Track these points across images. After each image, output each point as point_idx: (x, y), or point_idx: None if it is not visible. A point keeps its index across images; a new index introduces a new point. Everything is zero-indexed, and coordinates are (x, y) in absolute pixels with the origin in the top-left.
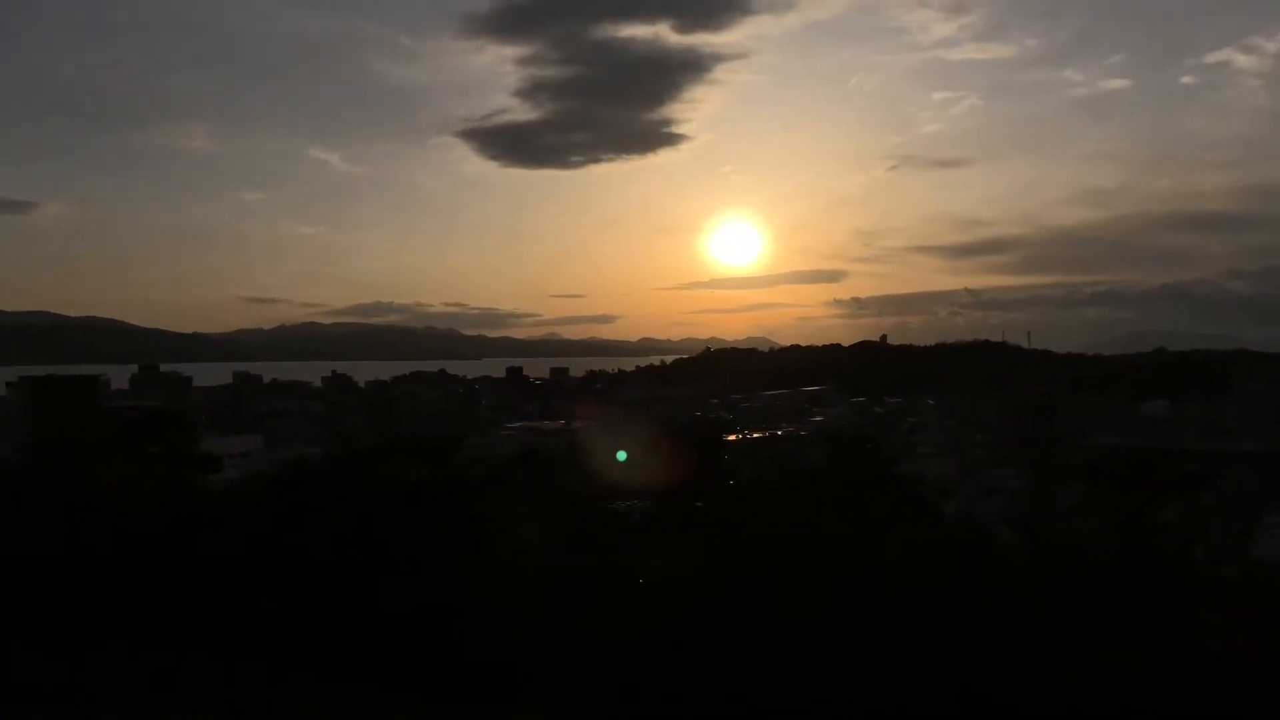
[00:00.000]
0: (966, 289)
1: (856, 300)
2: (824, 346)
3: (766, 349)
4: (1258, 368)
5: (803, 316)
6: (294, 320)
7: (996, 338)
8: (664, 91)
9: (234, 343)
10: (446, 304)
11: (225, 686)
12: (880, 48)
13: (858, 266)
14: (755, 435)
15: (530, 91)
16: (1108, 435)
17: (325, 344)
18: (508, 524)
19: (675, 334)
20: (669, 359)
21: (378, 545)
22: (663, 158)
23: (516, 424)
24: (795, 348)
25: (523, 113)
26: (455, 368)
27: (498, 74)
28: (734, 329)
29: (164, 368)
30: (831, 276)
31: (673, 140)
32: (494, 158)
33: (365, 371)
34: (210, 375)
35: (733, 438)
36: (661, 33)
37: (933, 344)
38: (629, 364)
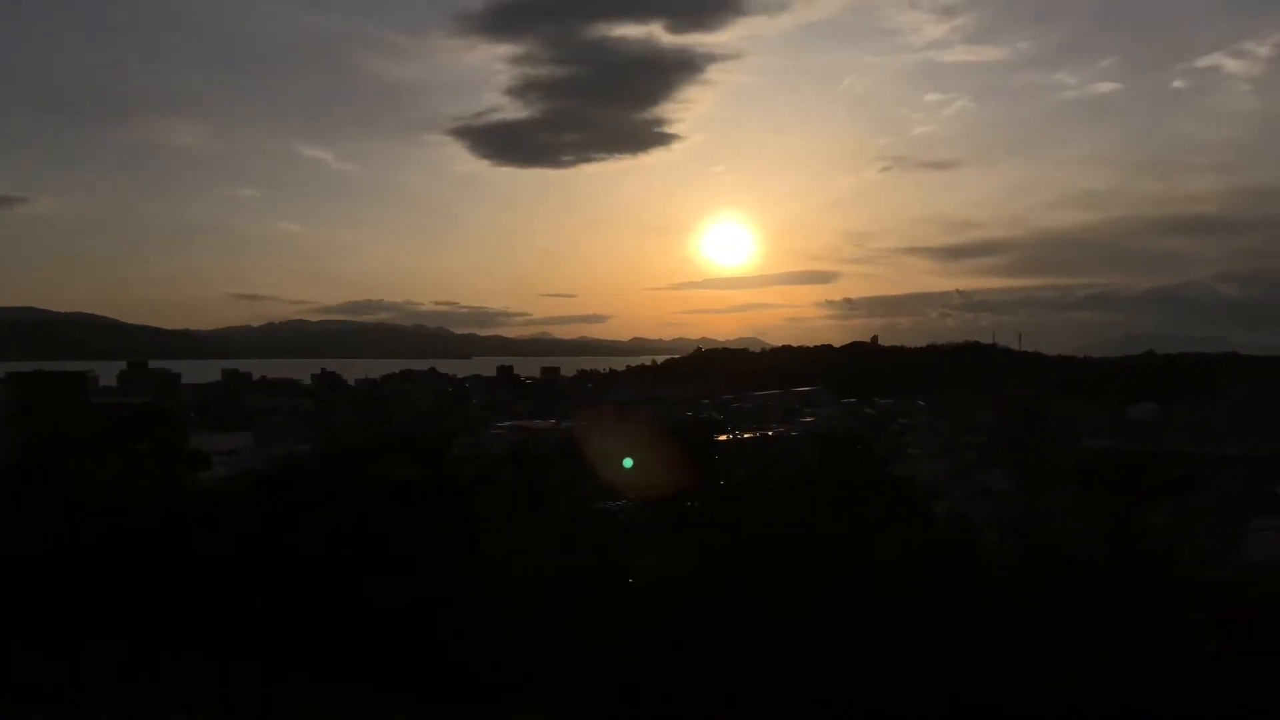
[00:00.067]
0: (957, 290)
1: (848, 301)
2: (815, 347)
3: (758, 349)
4: (1246, 371)
5: (794, 317)
6: (284, 317)
7: (987, 339)
8: (656, 91)
9: (223, 340)
10: (437, 302)
11: (220, 685)
12: (872, 49)
13: (849, 267)
14: (746, 436)
15: (522, 90)
16: (1098, 438)
17: (315, 341)
18: (499, 523)
19: (666, 334)
20: (660, 359)
21: (370, 544)
22: (655, 157)
23: (507, 423)
24: (786, 348)
25: (515, 111)
26: (445, 366)
27: (490, 72)
28: (725, 329)
29: (153, 364)
30: (823, 277)
31: (665, 140)
32: (486, 156)
33: (355, 369)
34: (199, 372)
35: (724, 438)
36: (654, 32)
37: (924, 345)
38: (620, 364)
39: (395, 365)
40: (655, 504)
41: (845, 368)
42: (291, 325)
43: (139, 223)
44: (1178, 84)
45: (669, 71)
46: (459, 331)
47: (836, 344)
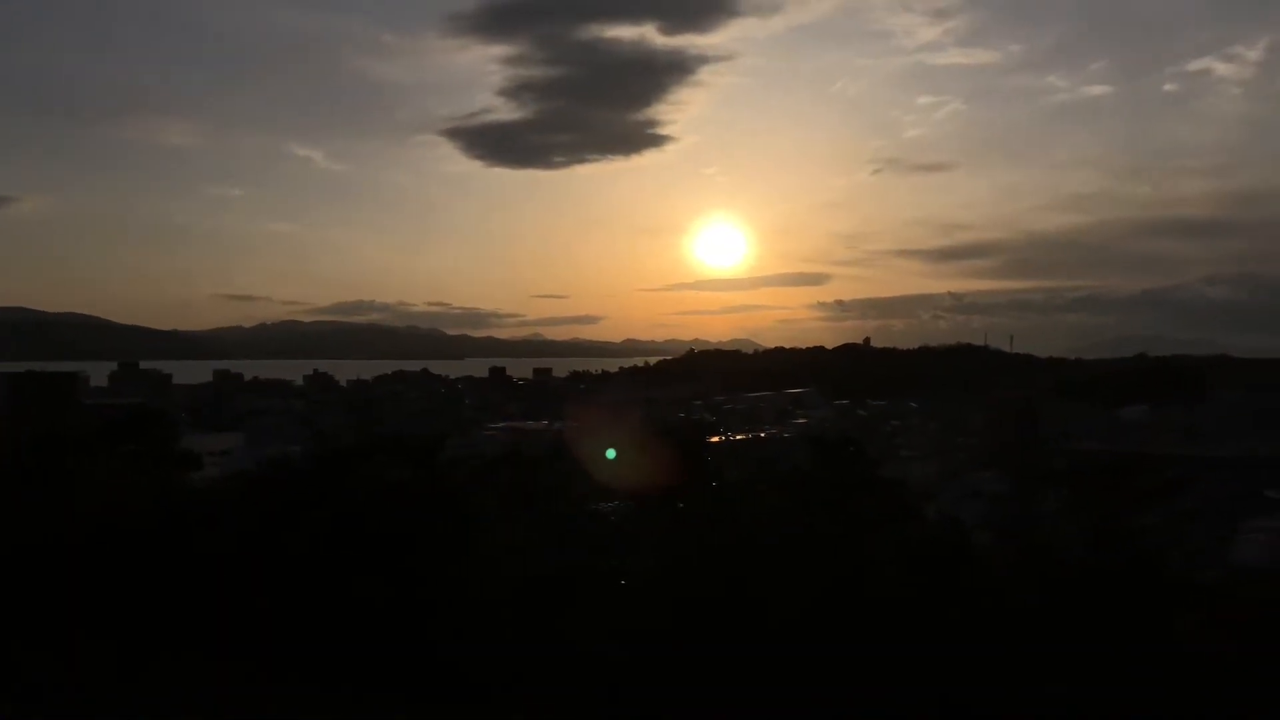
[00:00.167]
0: (949, 293)
1: (840, 303)
2: (807, 349)
3: (750, 351)
4: (1237, 373)
5: (786, 319)
6: (275, 318)
7: (979, 341)
8: (649, 93)
9: (214, 340)
10: (429, 303)
11: (219, 685)
12: (865, 51)
13: (841, 269)
14: (739, 437)
15: (515, 91)
16: (1089, 439)
17: (306, 342)
18: (492, 524)
19: (659, 335)
20: (653, 360)
21: (362, 544)
22: (647, 159)
23: (499, 424)
24: (779, 350)
25: (507, 112)
26: (438, 367)
27: (482, 73)
28: (718, 331)
29: (144, 365)
30: (815, 279)
31: (657, 141)
32: (478, 157)
33: (347, 370)
34: (190, 373)
35: (716, 439)
36: (647, 34)
37: (916, 347)
38: (613, 365)
39: (387, 366)
40: (648, 505)
41: (837, 369)
42: (283, 326)
43: (129, 223)
44: (1169, 87)
45: (661, 73)
46: (451, 332)
47: (829, 346)
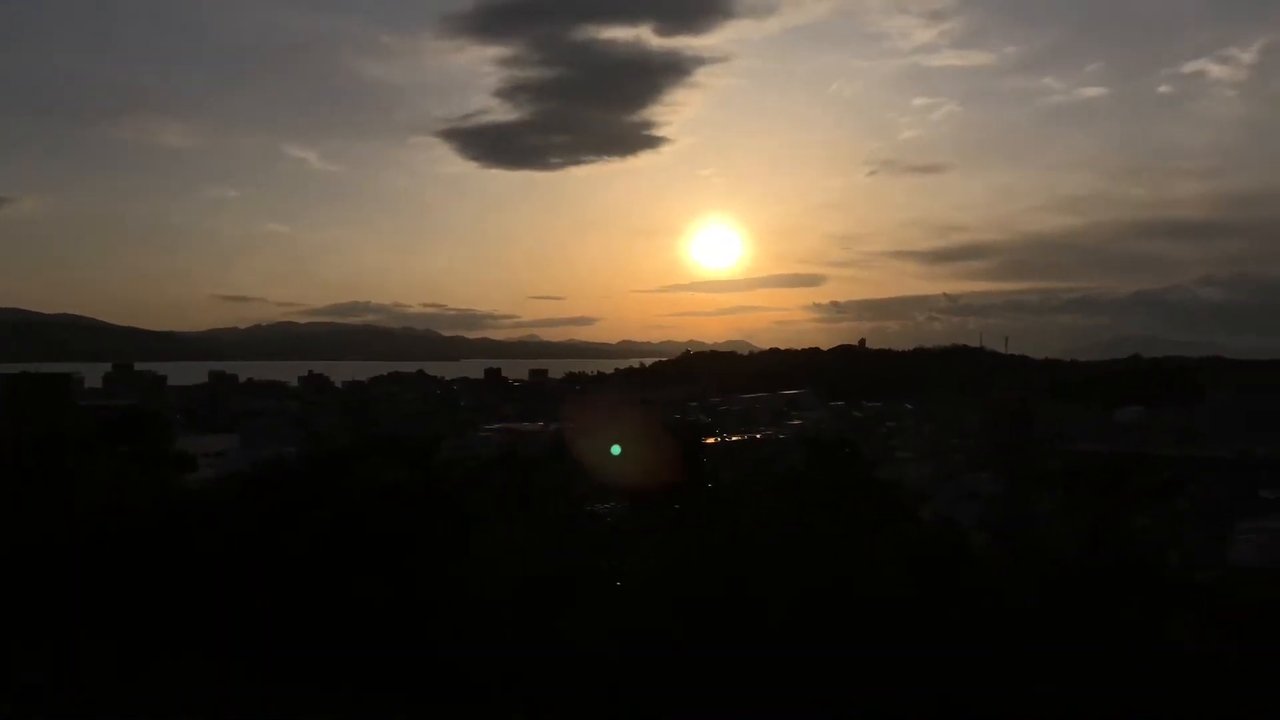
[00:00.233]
0: (944, 294)
1: (835, 304)
2: (803, 350)
3: (745, 352)
4: (1231, 374)
5: (781, 320)
6: (270, 319)
7: (974, 343)
8: (645, 94)
9: (209, 341)
10: (425, 304)
11: (219, 685)
12: (860, 53)
13: (836, 271)
14: (734, 438)
15: (510, 92)
16: (1084, 441)
17: (301, 343)
18: (490, 525)
19: (654, 336)
20: (648, 361)
21: (359, 545)
22: (643, 160)
23: (495, 425)
24: (774, 351)
25: (503, 113)
26: (433, 368)
27: (478, 74)
28: (713, 332)
29: (138, 366)
30: (810, 280)
31: (653, 143)
32: (473, 158)
33: (342, 371)
34: (185, 374)
35: (712, 440)
36: (643, 35)
37: (911, 349)
38: (608, 366)
39: (383, 367)
40: (646, 505)
41: (833, 371)
42: (278, 327)
43: (124, 223)
44: (1163, 89)
45: (657, 74)
46: (447, 333)
47: (824, 347)
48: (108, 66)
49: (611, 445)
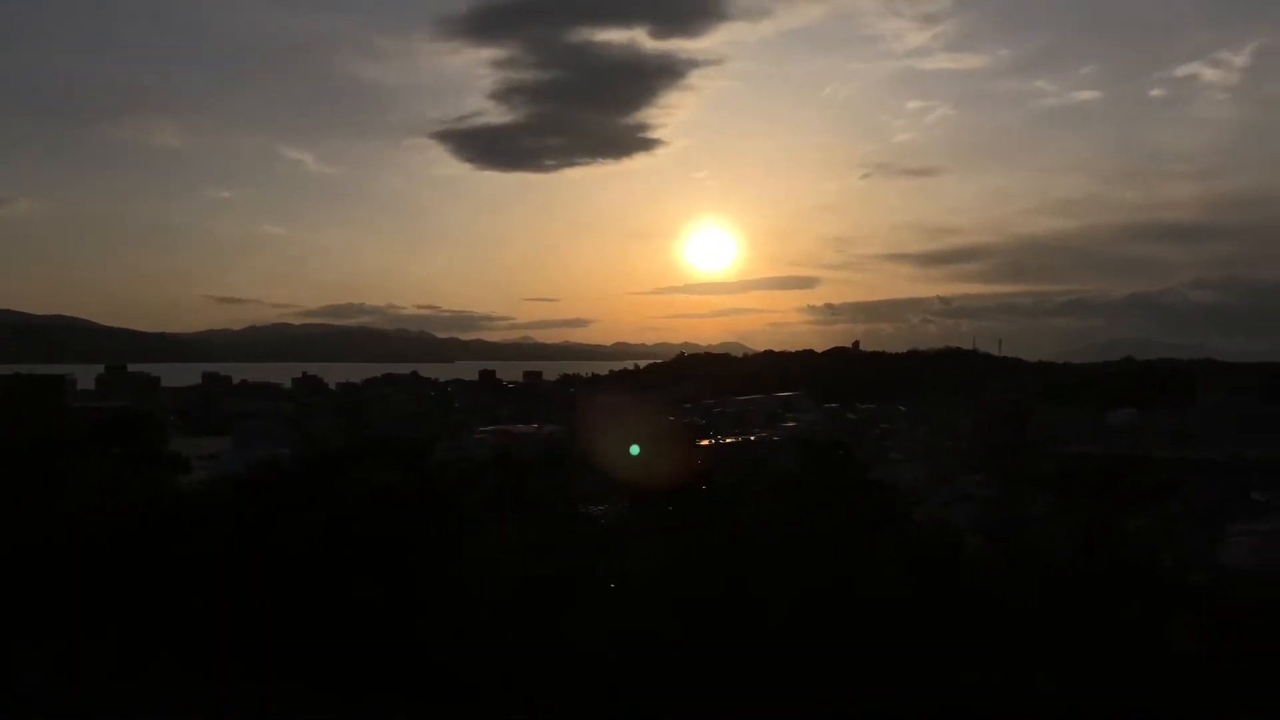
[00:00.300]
0: (938, 296)
1: (829, 306)
2: (797, 352)
3: (740, 354)
4: (1223, 377)
5: (776, 322)
6: (264, 321)
7: (968, 345)
8: (639, 96)
9: (203, 343)
10: (419, 306)
11: (218, 685)
12: (854, 56)
13: (830, 273)
14: (729, 440)
15: (505, 94)
16: (1077, 443)
17: (296, 345)
18: (485, 526)
19: (649, 338)
20: (643, 363)
21: (354, 547)
22: (637, 162)
23: (489, 427)
24: (769, 353)
25: (497, 115)
26: (427, 370)
27: (473, 76)
28: (708, 334)
29: (131, 368)
30: (804, 283)
31: (648, 145)
32: (469, 160)
33: (336, 373)
34: (179, 376)
35: (706, 442)
36: (637, 37)
37: (905, 351)
38: (603, 368)
39: (377, 369)
40: (645, 506)
41: (827, 373)
42: (272, 328)
43: (118, 224)
44: (1156, 92)
45: (652, 77)
46: (441, 335)
47: (818, 349)
48: (105, 67)
49: (609, 454)
